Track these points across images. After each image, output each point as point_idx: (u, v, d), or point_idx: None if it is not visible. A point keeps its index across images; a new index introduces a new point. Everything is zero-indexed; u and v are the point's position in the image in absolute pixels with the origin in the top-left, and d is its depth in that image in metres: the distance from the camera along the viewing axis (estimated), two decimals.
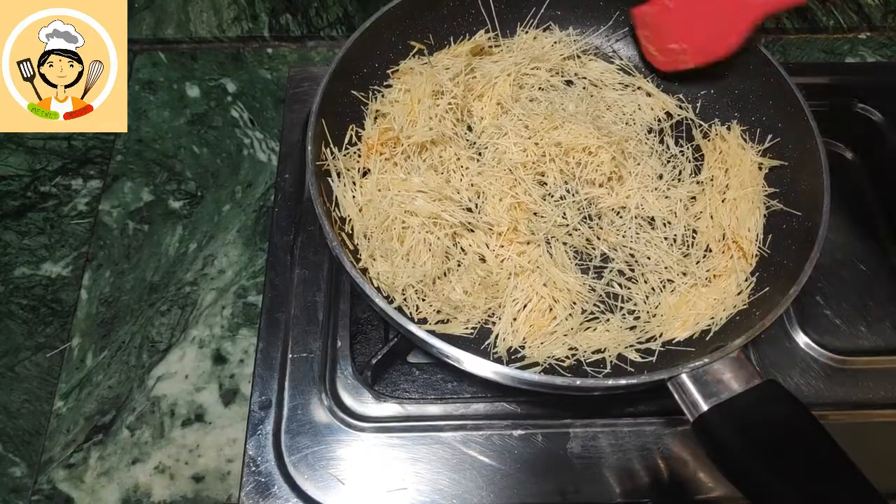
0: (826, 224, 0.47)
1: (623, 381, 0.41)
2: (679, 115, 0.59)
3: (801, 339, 0.54)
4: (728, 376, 0.40)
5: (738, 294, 0.50)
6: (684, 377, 0.40)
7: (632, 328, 0.49)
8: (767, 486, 0.35)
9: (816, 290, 0.57)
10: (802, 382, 0.53)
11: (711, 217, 0.53)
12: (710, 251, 0.53)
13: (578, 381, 0.41)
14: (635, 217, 0.53)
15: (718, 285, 0.51)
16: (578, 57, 0.62)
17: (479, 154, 0.55)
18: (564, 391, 0.42)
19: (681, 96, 0.60)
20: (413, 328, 0.41)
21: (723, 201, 0.54)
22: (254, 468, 0.47)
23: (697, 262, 0.52)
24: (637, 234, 0.53)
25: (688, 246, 0.53)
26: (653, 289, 0.51)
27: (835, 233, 0.58)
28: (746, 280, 0.50)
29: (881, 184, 0.63)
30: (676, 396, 0.41)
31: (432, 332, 0.41)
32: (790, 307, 0.55)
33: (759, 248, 0.52)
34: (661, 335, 0.48)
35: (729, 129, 0.57)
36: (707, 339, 0.48)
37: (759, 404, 0.39)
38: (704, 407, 0.39)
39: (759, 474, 0.36)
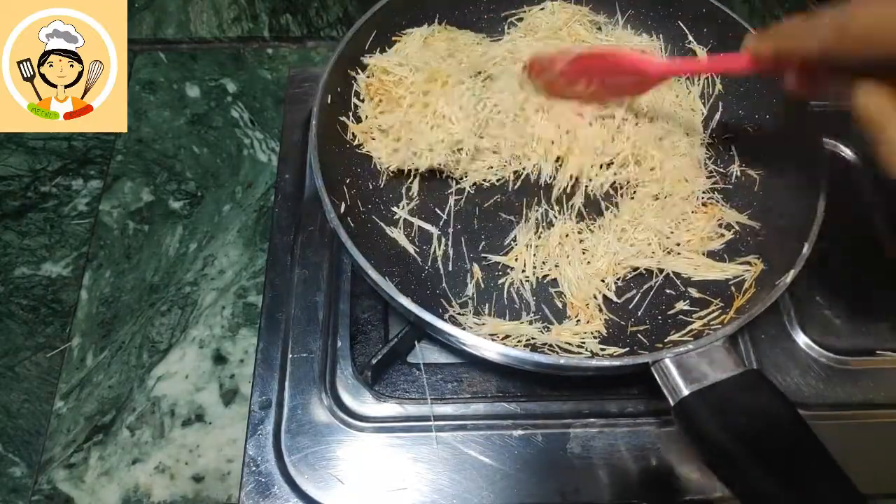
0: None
1: (607, 363, 0.42)
2: None
3: (801, 339, 0.54)
4: (712, 363, 0.40)
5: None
6: (668, 361, 0.40)
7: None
8: (743, 473, 0.36)
9: (816, 290, 0.57)
10: (802, 382, 0.53)
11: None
12: None
13: (563, 360, 0.42)
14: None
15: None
16: (599, 29, 0.62)
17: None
18: (548, 370, 0.42)
19: None
20: (404, 300, 0.42)
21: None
22: (254, 468, 0.47)
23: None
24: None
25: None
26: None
27: (834, 232, 0.58)
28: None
29: (881, 183, 0.63)
30: (659, 380, 0.41)
31: (422, 307, 0.42)
32: (791, 307, 0.56)
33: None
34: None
35: None
36: None
37: (739, 391, 0.39)
38: (685, 392, 0.39)
39: (735, 460, 0.36)
